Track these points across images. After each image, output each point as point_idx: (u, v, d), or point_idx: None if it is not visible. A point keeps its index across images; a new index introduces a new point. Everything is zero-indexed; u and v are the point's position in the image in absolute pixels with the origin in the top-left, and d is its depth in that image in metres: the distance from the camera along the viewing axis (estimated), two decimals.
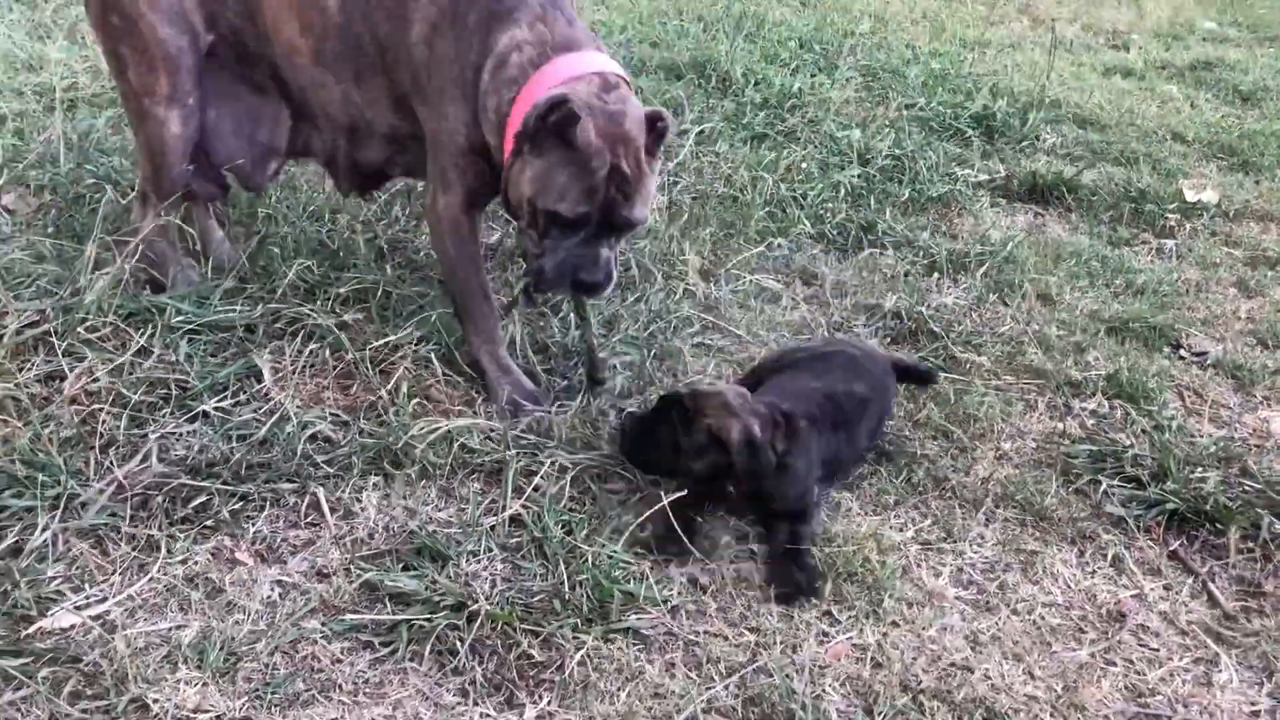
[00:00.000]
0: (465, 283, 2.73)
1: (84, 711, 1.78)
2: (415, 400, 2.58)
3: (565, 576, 2.12)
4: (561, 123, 2.34)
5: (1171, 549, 2.39)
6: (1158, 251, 3.95)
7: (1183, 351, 3.22)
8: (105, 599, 2.02)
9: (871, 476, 2.55)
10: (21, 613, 1.96)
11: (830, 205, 3.96)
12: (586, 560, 2.16)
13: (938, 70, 6.02)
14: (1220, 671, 2.08)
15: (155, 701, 1.81)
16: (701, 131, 4.59)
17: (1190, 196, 4.35)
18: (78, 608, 2.00)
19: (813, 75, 5.69)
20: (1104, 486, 2.53)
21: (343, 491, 2.35)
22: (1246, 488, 2.52)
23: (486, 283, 2.77)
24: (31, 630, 1.93)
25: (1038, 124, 5.18)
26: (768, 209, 3.87)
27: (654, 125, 2.49)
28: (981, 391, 2.87)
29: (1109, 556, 2.36)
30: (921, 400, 2.82)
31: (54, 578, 2.05)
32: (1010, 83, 5.84)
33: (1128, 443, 2.69)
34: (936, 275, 3.56)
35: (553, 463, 2.46)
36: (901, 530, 2.38)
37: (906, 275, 3.56)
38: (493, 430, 2.55)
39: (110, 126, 4.12)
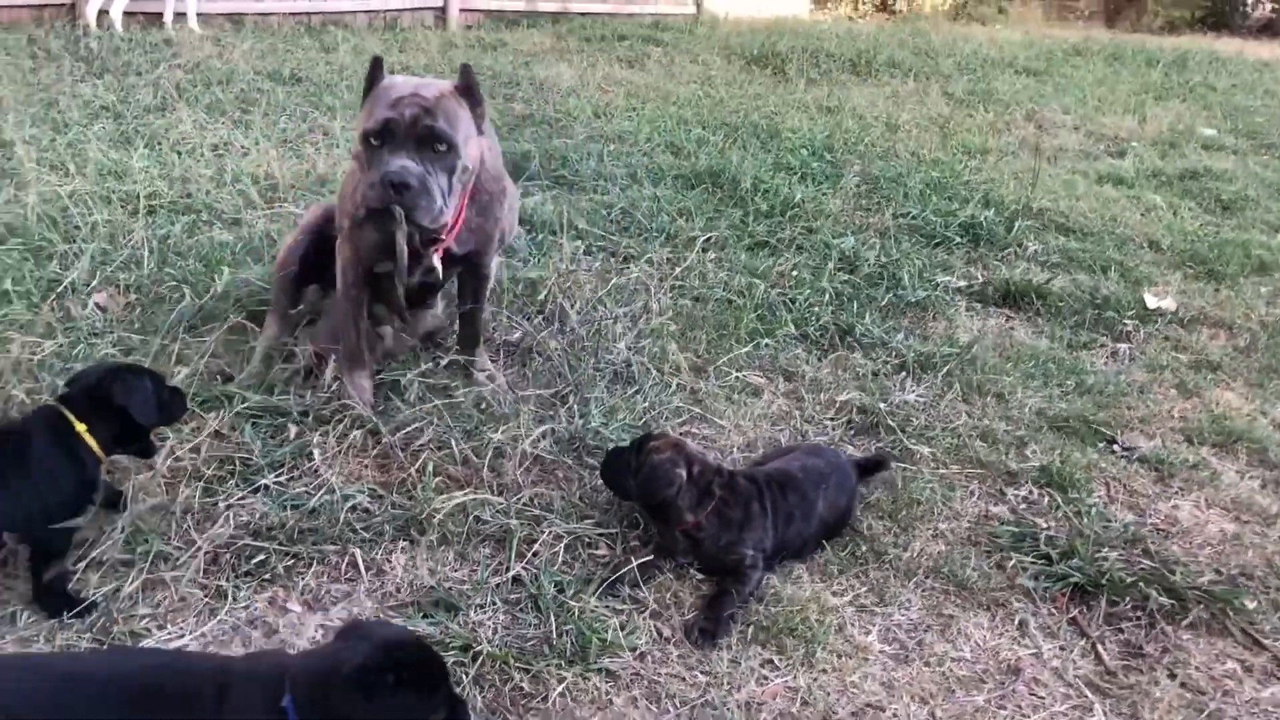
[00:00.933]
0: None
1: None
2: (438, 478, 3.08)
3: (554, 626, 2.59)
4: (371, 73, 3.07)
5: (1071, 615, 2.81)
6: (1112, 355, 4.39)
7: (1115, 447, 3.65)
8: (184, 635, 2.51)
9: (821, 550, 3.00)
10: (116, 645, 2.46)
11: (816, 309, 4.45)
12: (573, 613, 2.63)
13: (936, 178, 6.55)
14: (1094, 717, 2.50)
15: None
16: (709, 238, 5.12)
17: (1151, 304, 4.80)
18: (161, 644, 2.50)
19: (818, 184, 6.24)
20: (1018, 561, 2.96)
21: (376, 553, 2.83)
22: (1144, 566, 2.94)
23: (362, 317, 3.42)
24: None
25: (1022, 232, 5.67)
26: (758, 312, 4.37)
27: (465, 70, 3.08)
28: (926, 479, 3.32)
29: (1016, 621, 2.78)
30: (873, 485, 3.28)
31: (143, 616, 2.55)
32: (1003, 191, 6.35)
33: (1046, 525, 3.12)
34: (903, 374, 4.03)
35: (551, 532, 2.94)
36: (840, 595, 2.83)
37: (876, 374, 4.03)
38: (501, 503, 3.03)
39: (185, 232, 4.72)
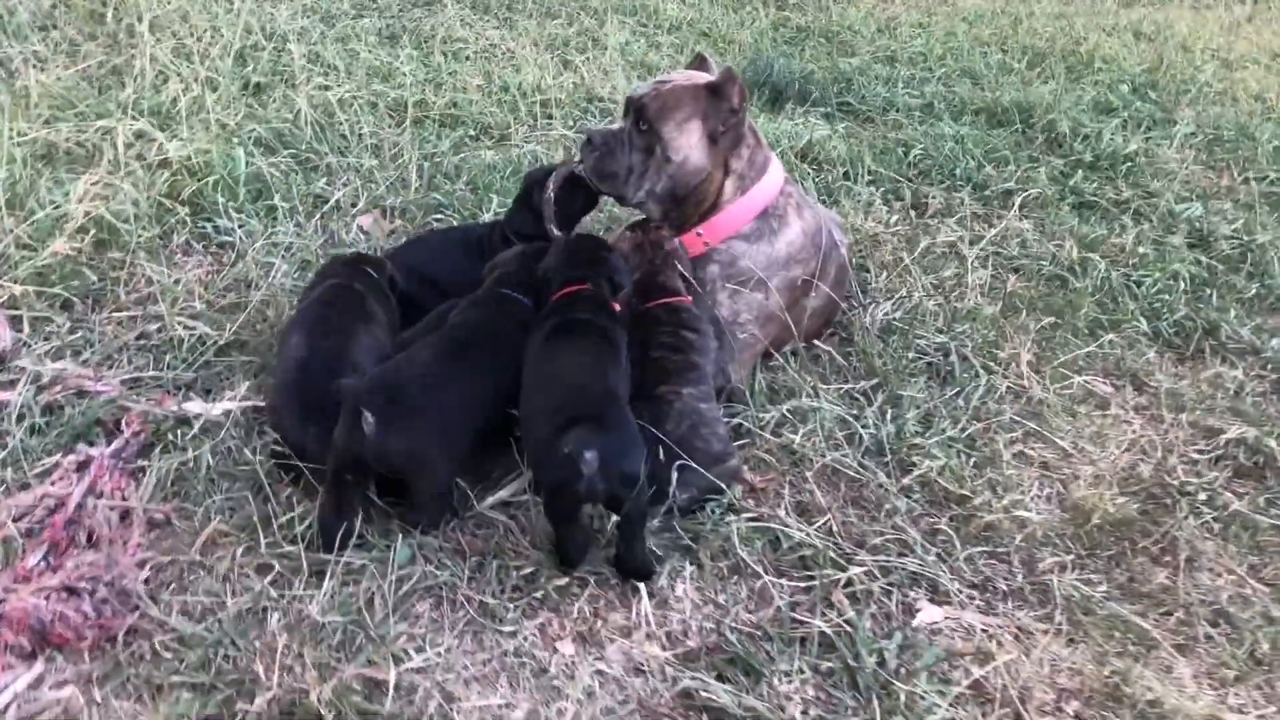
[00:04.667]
0: None
1: None
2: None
3: (878, 715, 2.10)
4: None
5: None
6: None
7: None
8: (448, 668, 2.15)
9: (1208, 641, 2.37)
10: (369, 668, 2.13)
11: (1166, 298, 3.70)
12: (898, 700, 2.13)
13: None
14: None
15: None
16: (1026, 193, 4.39)
17: None
18: (418, 670, 2.15)
19: (1147, 130, 5.34)
20: None
21: (660, 579, 2.41)
22: None
23: None
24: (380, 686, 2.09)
25: None
26: (1096, 296, 3.67)
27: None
28: None
29: None
30: (1274, 557, 2.60)
31: (399, 635, 2.21)
32: None
33: None
34: None
35: (865, 570, 2.43)
36: (1242, 713, 2.21)
37: (1244, 392, 3.28)
38: (802, 530, 2.54)
39: (452, 148, 4.38)
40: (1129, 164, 4.79)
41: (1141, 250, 3.96)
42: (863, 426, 2.90)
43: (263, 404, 2.72)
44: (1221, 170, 4.98)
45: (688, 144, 2.88)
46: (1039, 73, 6.27)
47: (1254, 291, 3.83)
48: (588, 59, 5.72)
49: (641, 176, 2.95)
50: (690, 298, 2.80)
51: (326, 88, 4.62)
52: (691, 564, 2.45)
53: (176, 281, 3.24)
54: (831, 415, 2.91)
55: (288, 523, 2.41)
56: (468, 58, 5.61)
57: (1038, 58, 6.57)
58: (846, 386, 3.09)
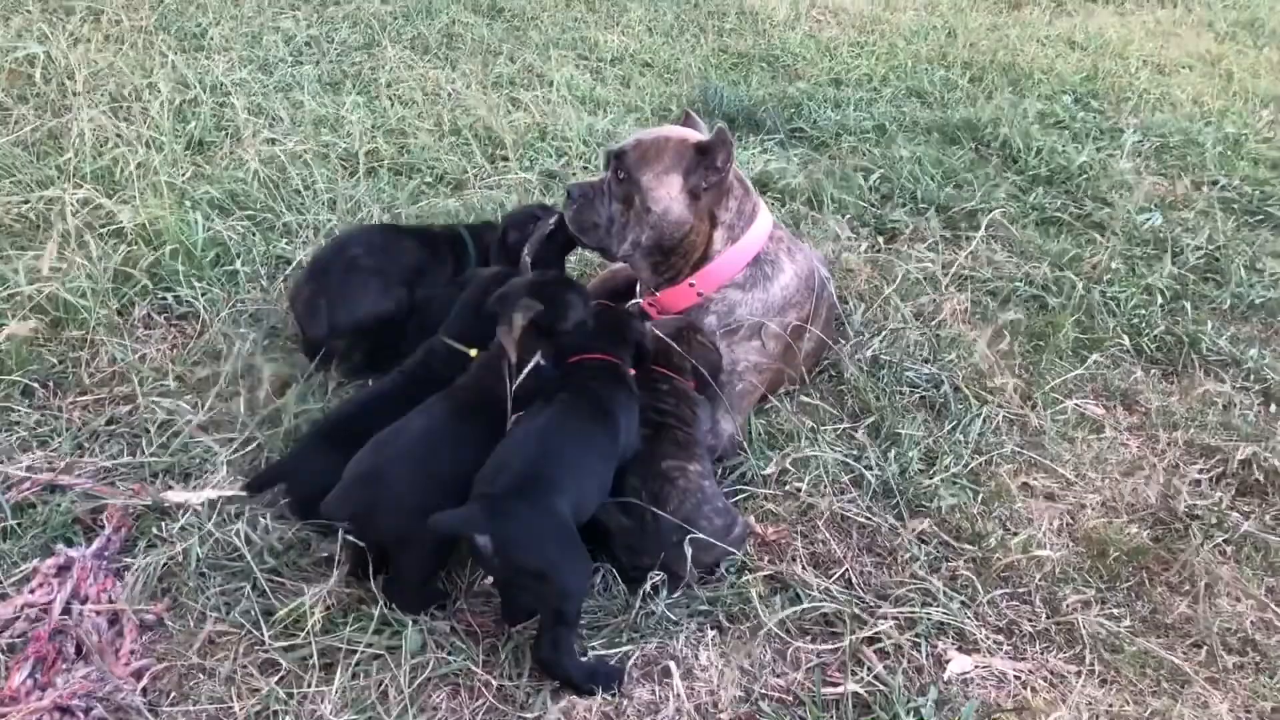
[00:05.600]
0: None
1: None
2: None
3: None
4: None
5: None
6: None
7: None
8: None
9: (1238, 671, 2.35)
10: None
11: (1143, 312, 3.72)
12: None
13: (1232, 135, 5.61)
14: None
15: None
16: (990, 212, 4.39)
17: None
18: None
19: (1094, 140, 5.39)
20: None
21: (678, 641, 2.32)
22: None
23: None
24: None
25: None
26: (1075, 316, 3.66)
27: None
28: None
29: None
30: None
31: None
32: None
33: None
34: (1273, 408, 3.28)
35: (890, 624, 2.37)
36: None
37: (1238, 406, 3.29)
38: (820, 583, 2.47)
39: (410, 198, 4.27)
40: (1084, 176, 4.82)
41: (1114, 265, 3.97)
42: (866, 468, 2.85)
43: (245, 493, 2.59)
44: (1174, 178, 5.04)
45: (667, 195, 2.82)
46: (982, 87, 6.33)
47: (1226, 301, 3.85)
48: (536, 97, 5.64)
49: (624, 228, 2.88)
50: (695, 382, 2.73)
51: (274, 141, 4.48)
52: (712, 628, 2.37)
53: (142, 358, 3.10)
54: (833, 460, 2.85)
55: (290, 613, 2.28)
56: (414, 101, 5.49)
57: (979, 72, 6.63)
58: (843, 426, 3.03)
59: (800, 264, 2.96)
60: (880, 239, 4.25)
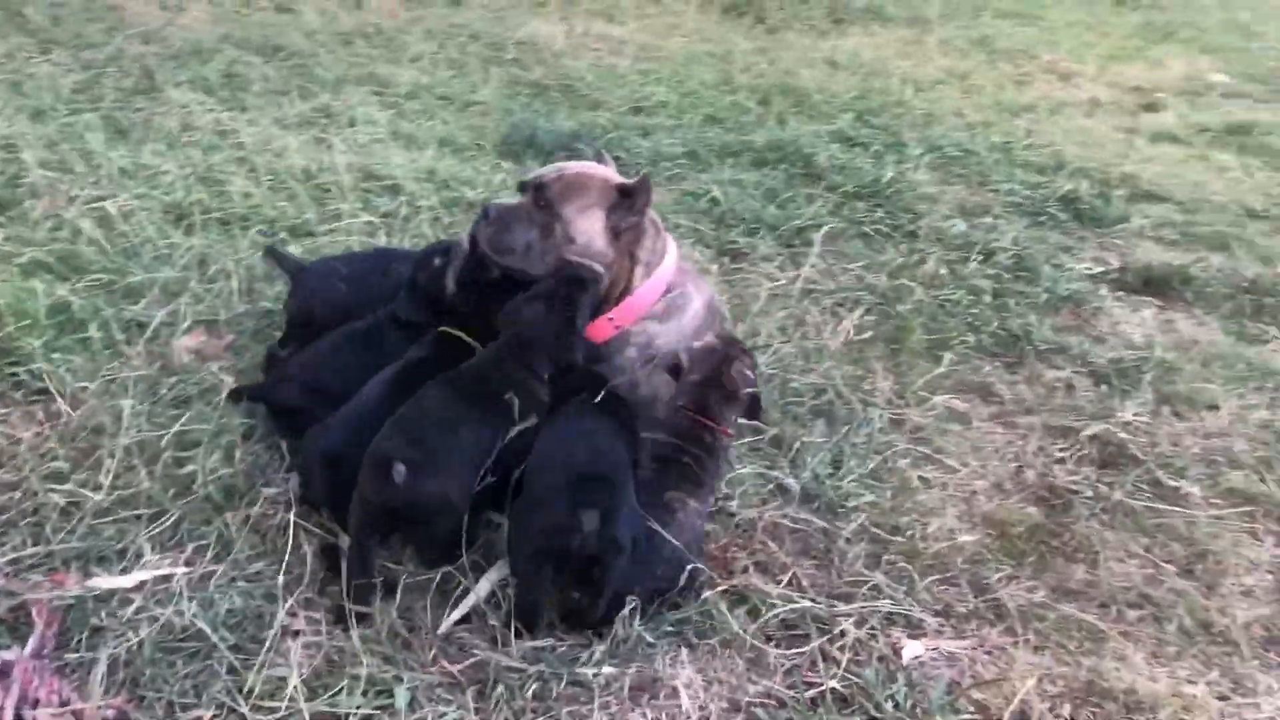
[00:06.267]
0: None
1: None
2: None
3: None
4: None
5: None
6: None
7: None
8: None
9: (1140, 624, 2.65)
10: None
11: (976, 312, 4.08)
12: None
13: (1000, 144, 6.20)
14: None
15: None
16: (818, 229, 4.69)
17: None
18: None
19: (880, 155, 5.82)
20: None
21: (656, 662, 2.39)
22: None
23: None
24: None
25: (1120, 203, 5.36)
26: (921, 320, 3.97)
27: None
28: (1206, 525, 2.99)
29: None
30: (1157, 536, 2.94)
31: None
32: (1069, 155, 6.05)
33: None
34: (1104, 387, 3.68)
35: (851, 621, 2.53)
36: (1192, 683, 2.49)
37: (1072, 388, 3.67)
38: (776, 590, 2.61)
39: (251, 247, 4.11)
40: (892, 190, 5.21)
41: (942, 271, 4.33)
42: (784, 478, 3.01)
43: (179, 570, 2.46)
44: (956, 185, 5.52)
45: (590, 229, 2.90)
46: (772, 109, 6.69)
47: (1042, 296, 4.28)
48: (346, 136, 5.54)
49: (543, 255, 2.93)
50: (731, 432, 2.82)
51: (101, 199, 4.22)
52: (683, 646, 2.45)
53: (16, 442, 2.86)
54: (752, 473, 3.00)
55: (269, 684, 2.20)
56: (219, 146, 5.27)
57: (765, 96, 7.00)
58: (749, 440, 3.18)
59: (705, 292, 3.10)
60: (726, 260, 4.45)
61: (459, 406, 2.52)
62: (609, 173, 3.05)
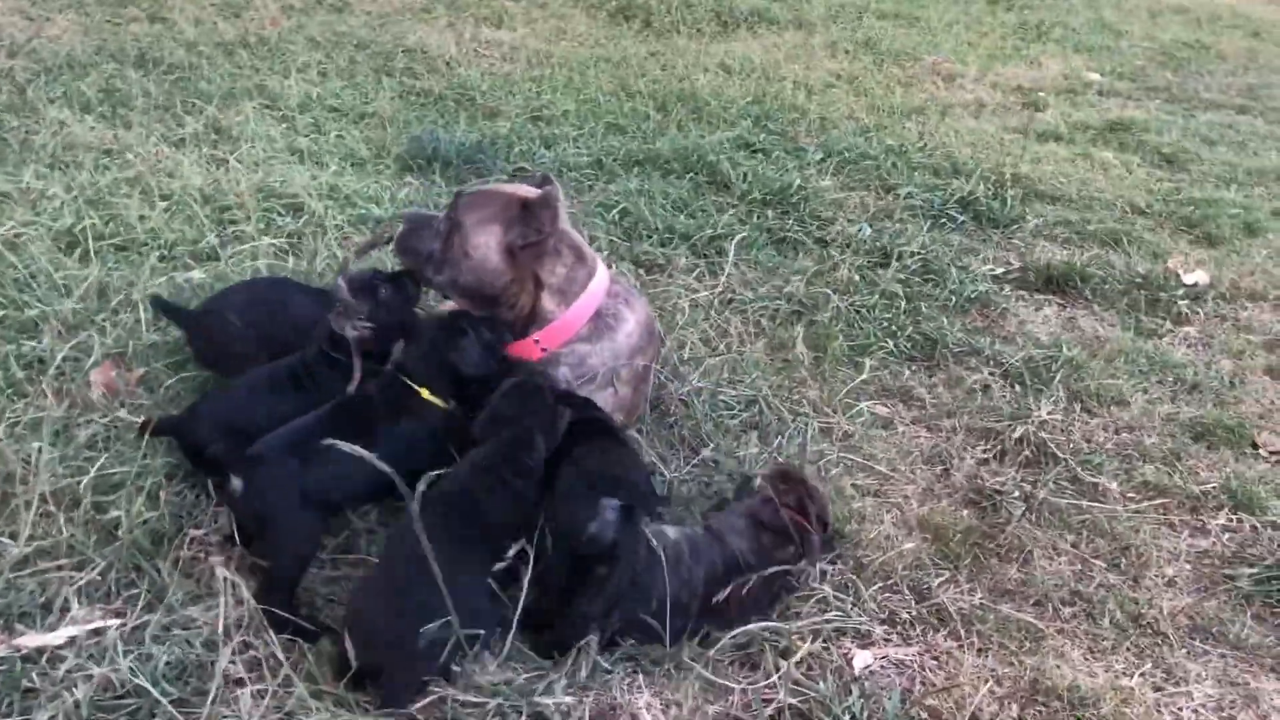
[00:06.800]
0: None
1: None
2: None
3: None
4: None
5: None
6: (1185, 342, 4.30)
7: (1261, 451, 3.55)
8: None
9: (1073, 620, 2.74)
10: None
11: (889, 316, 4.16)
12: None
13: (894, 147, 6.34)
14: None
15: None
16: (730, 239, 4.72)
17: (1188, 279, 4.75)
18: None
19: (784, 161, 5.90)
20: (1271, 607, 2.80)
21: (616, 692, 2.38)
22: None
23: None
24: None
25: (1015, 203, 5.54)
26: (839, 326, 4.04)
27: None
28: (1127, 519, 3.11)
29: None
30: (1082, 532, 3.05)
31: None
32: (961, 156, 6.22)
33: (1266, 556, 2.98)
34: (1018, 388, 3.80)
35: (817, 643, 2.55)
36: (1128, 676, 2.58)
37: (987, 389, 3.78)
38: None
39: (154, 275, 3.96)
40: (799, 196, 5.28)
41: (855, 277, 4.41)
42: (719, 492, 3.02)
43: (112, 622, 2.35)
44: (857, 190, 5.63)
45: (484, 244, 2.89)
46: (672, 116, 6.72)
47: (951, 299, 4.39)
48: (239, 154, 5.37)
49: (442, 264, 2.95)
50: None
51: None
52: (639, 671, 2.45)
53: None
54: (694, 488, 3.01)
55: None
56: (106, 167, 5.06)
57: (663, 102, 7.03)
58: (685, 455, 3.19)
59: (639, 312, 3.09)
60: (643, 272, 4.46)
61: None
62: (525, 190, 3.01)
